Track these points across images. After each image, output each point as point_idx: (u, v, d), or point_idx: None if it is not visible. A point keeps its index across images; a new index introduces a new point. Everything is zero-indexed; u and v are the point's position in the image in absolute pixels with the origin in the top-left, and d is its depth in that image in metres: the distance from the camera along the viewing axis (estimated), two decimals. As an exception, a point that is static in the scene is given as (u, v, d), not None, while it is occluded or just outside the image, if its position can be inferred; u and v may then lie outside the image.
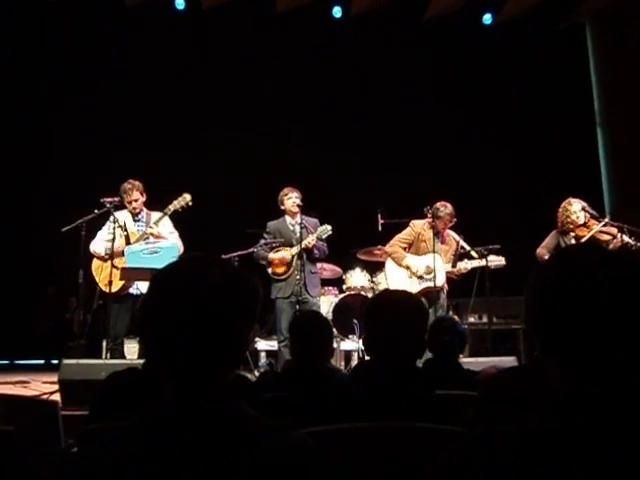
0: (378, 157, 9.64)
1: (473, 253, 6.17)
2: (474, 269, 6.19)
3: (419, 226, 6.35)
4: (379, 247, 6.89)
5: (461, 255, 6.28)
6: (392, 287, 6.23)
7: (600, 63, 10.61)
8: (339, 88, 9.65)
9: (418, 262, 6.26)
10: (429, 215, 6.18)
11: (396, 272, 6.38)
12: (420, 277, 6.21)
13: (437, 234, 6.24)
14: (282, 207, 6.31)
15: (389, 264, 6.48)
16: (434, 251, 6.07)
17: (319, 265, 6.69)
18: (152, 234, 5.74)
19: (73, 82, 9.22)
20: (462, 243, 6.32)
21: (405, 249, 6.37)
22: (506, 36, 9.85)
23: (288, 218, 6.31)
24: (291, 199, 6.24)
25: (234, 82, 9.51)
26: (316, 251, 6.21)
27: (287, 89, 9.60)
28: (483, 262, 6.10)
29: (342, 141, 9.63)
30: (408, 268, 6.27)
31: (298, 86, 9.58)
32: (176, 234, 5.93)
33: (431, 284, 6.11)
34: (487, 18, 10.20)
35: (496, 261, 6.12)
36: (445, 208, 6.19)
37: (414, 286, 6.12)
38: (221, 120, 9.52)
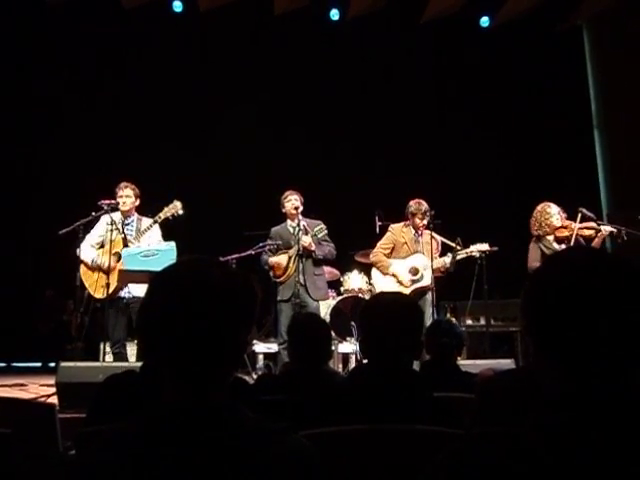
0: (376, 159, 9.65)
1: (452, 244, 6.18)
2: (471, 269, 6.19)
3: (398, 229, 6.41)
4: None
5: (445, 251, 6.30)
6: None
7: (598, 65, 10.62)
8: (337, 90, 9.65)
9: (403, 267, 6.27)
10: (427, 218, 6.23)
11: (383, 279, 6.39)
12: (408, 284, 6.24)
13: (417, 233, 6.32)
14: (283, 210, 6.32)
15: (375, 272, 6.50)
16: (430, 252, 6.10)
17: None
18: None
19: (71, 84, 9.22)
20: (444, 240, 6.33)
21: (389, 254, 6.38)
22: (503, 39, 9.87)
23: (289, 221, 6.33)
24: (290, 201, 6.25)
25: (232, 84, 9.51)
26: (319, 252, 6.19)
27: (285, 91, 9.60)
28: (468, 250, 6.12)
29: (340, 143, 9.63)
30: (395, 276, 6.29)
31: (296, 88, 9.58)
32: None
33: (419, 284, 6.15)
34: (484, 21, 10.20)
35: (479, 248, 6.13)
36: (418, 205, 6.27)
37: (402, 290, 6.11)
38: (219, 122, 9.52)
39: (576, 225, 5.82)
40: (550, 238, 5.89)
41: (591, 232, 5.81)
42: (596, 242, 5.76)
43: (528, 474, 0.94)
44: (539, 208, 5.97)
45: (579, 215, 5.93)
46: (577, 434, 0.95)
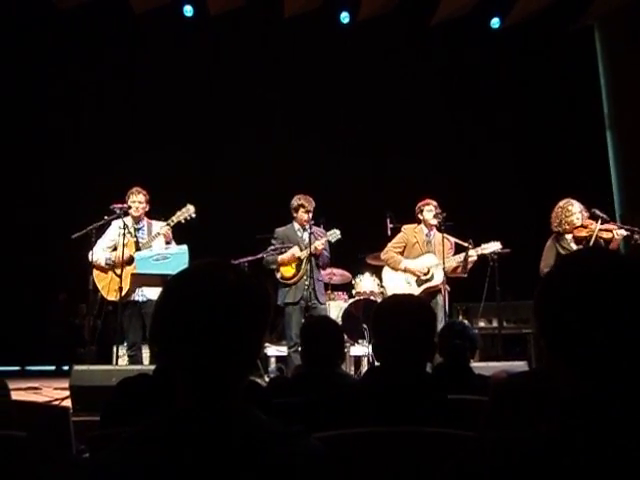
0: (387, 161, 9.66)
1: (465, 244, 6.14)
2: (484, 271, 6.15)
3: (410, 229, 6.40)
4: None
5: (460, 252, 6.25)
6: (390, 294, 6.21)
7: (609, 66, 10.58)
8: (347, 92, 9.67)
9: (416, 264, 6.27)
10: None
11: (394, 279, 6.38)
12: (419, 279, 6.22)
13: (429, 233, 6.33)
14: (294, 214, 6.29)
15: (386, 271, 6.49)
16: (442, 252, 6.06)
17: (329, 270, 6.68)
18: (164, 234, 5.76)
19: (83, 89, 9.29)
20: (457, 241, 6.30)
21: (400, 254, 6.37)
22: (514, 40, 9.85)
23: (296, 224, 6.31)
24: (305, 208, 6.16)
25: (242, 87, 9.54)
26: (321, 259, 6.23)
27: (295, 94, 9.62)
28: (480, 250, 6.07)
29: (350, 145, 9.64)
30: (406, 271, 6.27)
31: (306, 91, 9.60)
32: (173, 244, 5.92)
33: (430, 284, 6.14)
34: (495, 22, 10.19)
35: (492, 247, 6.07)
36: (426, 203, 6.30)
37: (413, 290, 6.11)
38: (230, 126, 9.55)
39: (597, 226, 5.66)
40: (569, 237, 5.74)
41: (610, 235, 5.68)
42: (612, 245, 5.65)
43: (540, 477, 0.94)
44: (561, 204, 5.81)
45: (601, 216, 5.81)
46: (592, 437, 0.94)
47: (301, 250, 6.14)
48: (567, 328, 1.02)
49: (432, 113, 9.66)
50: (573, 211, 5.72)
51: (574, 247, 5.68)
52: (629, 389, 0.97)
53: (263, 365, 6.95)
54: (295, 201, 6.28)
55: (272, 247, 6.24)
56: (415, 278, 6.25)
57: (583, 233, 5.69)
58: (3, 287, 8.61)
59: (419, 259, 6.26)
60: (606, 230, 5.69)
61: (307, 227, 6.17)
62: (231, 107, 9.50)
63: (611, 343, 0.98)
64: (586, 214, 5.77)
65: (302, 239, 6.21)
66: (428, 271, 6.19)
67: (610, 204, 9.69)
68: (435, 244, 6.25)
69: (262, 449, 1.10)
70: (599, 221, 5.71)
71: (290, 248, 6.18)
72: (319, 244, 6.08)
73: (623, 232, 5.68)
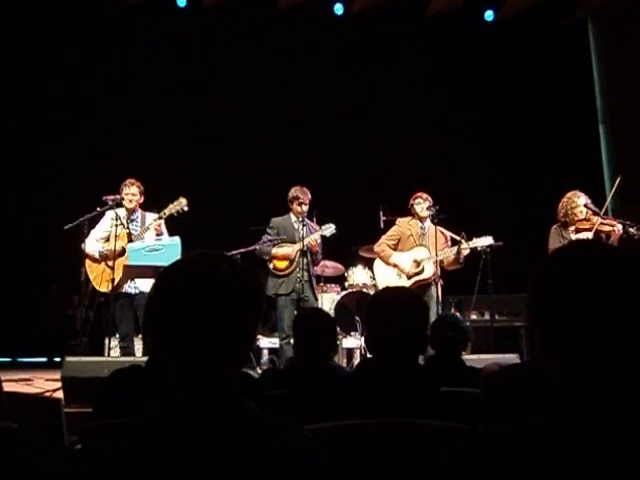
0: (380, 153, 9.64)
1: (457, 238, 6.15)
2: (476, 264, 6.16)
3: (404, 223, 6.43)
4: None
5: (453, 245, 6.26)
6: (382, 286, 6.22)
7: (602, 59, 10.59)
8: (340, 84, 9.64)
9: (405, 259, 6.28)
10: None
11: (385, 271, 6.40)
12: (409, 275, 6.23)
13: (423, 227, 6.34)
14: (290, 206, 6.28)
15: (377, 264, 6.51)
16: (436, 243, 6.07)
17: (321, 263, 6.67)
18: (155, 228, 5.74)
19: (74, 79, 9.22)
20: (451, 234, 6.31)
21: (394, 247, 6.38)
22: (508, 33, 9.85)
23: (293, 216, 6.29)
24: (302, 200, 6.17)
25: (235, 79, 9.51)
26: (316, 255, 6.23)
27: (289, 86, 9.60)
28: (472, 244, 6.07)
29: (344, 138, 9.62)
30: (396, 266, 6.29)
31: (299, 83, 9.58)
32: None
33: (421, 277, 6.16)
34: (489, 15, 10.19)
35: (483, 241, 6.09)
36: (418, 196, 6.32)
37: (404, 283, 6.13)
38: (223, 118, 9.51)
39: (598, 220, 5.77)
40: (571, 229, 5.86)
41: (610, 229, 5.74)
42: (612, 240, 5.71)
43: (533, 472, 0.94)
44: (568, 195, 5.94)
45: (604, 209, 5.90)
46: (577, 431, 0.94)
47: (295, 243, 6.14)
48: (561, 321, 1.02)
49: (426, 106, 9.65)
50: (578, 203, 5.86)
51: (574, 238, 5.76)
52: (626, 383, 0.97)
53: (255, 357, 6.95)
54: (291, 193, 6.27)
55: (266, 237, 6.23)
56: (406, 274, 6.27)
57: (585, 226, 5.79)
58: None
59: (409, 252, 6.27)
60: (607, 224, 5.77)
61: (300, 219, 6.16)
62: (225, 98, 9.46)
63: (607, 336, 0.98)
64: (590, 209, 5.86)
65: (298, 232, 6.20)
66: (419, 264, 6.20)
67: (603, 198, 9.70)
68: (429, 236, 6.26)
69: (256, 441, 1.10)
70: (602, 213, 5.82)
71: (284, 240, 6.18)
72: (313, 239, 6.08)
73: (621, 227, 5.76)
